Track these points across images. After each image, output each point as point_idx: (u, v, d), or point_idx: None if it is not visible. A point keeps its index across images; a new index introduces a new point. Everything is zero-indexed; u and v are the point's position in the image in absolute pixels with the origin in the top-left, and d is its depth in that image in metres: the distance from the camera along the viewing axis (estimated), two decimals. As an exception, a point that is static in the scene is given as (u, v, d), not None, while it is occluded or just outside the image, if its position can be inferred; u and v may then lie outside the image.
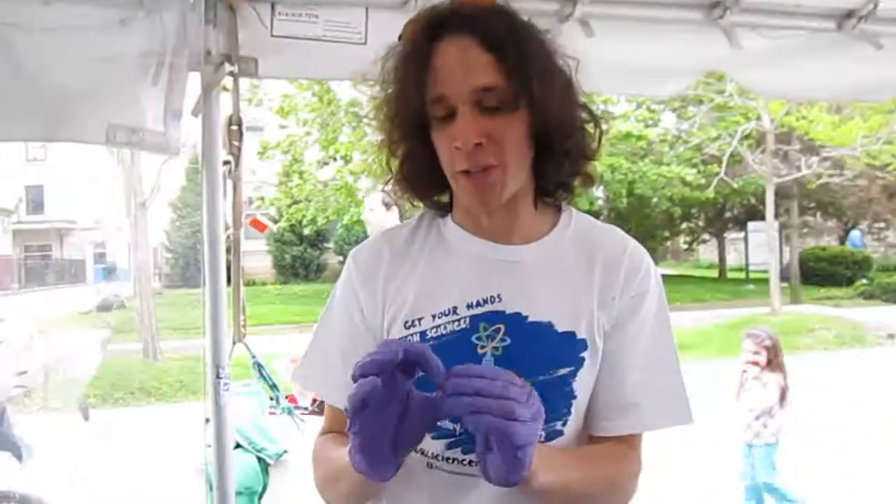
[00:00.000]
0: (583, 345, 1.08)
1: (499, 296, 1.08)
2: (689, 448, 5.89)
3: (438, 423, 1.01)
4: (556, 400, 1.07)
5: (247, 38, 1.99)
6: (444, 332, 1.08)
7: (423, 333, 1.08)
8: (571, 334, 1.07)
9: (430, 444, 1.07)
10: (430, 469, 1.08)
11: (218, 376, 2.03)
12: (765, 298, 15.00)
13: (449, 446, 1.07)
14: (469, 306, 1.08)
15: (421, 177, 1.12)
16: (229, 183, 2.05)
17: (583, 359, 1.08)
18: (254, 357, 3.39)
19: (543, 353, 1.07)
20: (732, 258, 27.46)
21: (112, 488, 5.59)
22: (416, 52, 1.04)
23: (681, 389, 1.17)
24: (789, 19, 2.23)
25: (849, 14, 2.22)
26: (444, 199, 1.16)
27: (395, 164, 1.13)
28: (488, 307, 1.08)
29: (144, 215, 12.47)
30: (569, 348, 1.08)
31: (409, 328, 1.09)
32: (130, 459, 6.15)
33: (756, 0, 2.16)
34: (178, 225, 27.56)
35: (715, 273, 26.25)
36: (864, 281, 19.23)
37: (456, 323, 1.08)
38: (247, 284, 2.21)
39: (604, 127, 1.14)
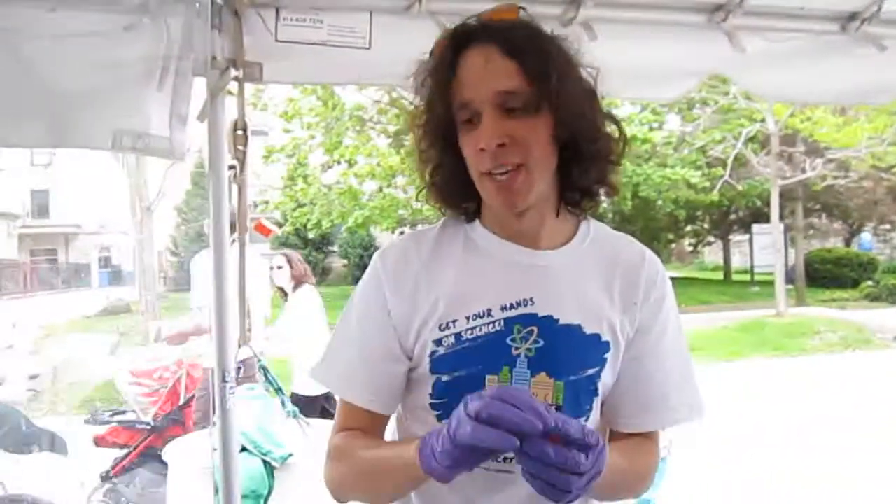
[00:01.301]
0: (606, 346, 1.15)
1: (531, 299, 1.12)
2: (694, 447, 5.89)
3: None
4: (583, 398, 1.15)
5: (252, 44, 1.99)
6: (479, 333, 1.12)
7: (458, 335, 1.12)
8: (597, 336, 1.14)
9: None
10: None
11: (223, 380, 2.04)
12: (770, 300, 14.97)
13: None
14: (503, 308, 1.12)
15: (450, 184, 1.16)
16: (234, 187, 2.06)
17: (605, 359, 1.15)
18: (259, 360, 3.40)
19: (573, 354, 1.13)
20: (737, 260, 27.43)
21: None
22: (442, 63, 1.10)
23: (696, 385, 1.24)
24: (792, 22, 2.23)
25: (852, 16, 2.22)
26: (472, 206, 1.20)
27: (427, 173, 1.18)
28: (522, 310, 1.12)
29: (150, 219, 12.51)
30: (595, 350, 1.14)
31: (443, 330, 1.13)
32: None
33: (759, 3, 2.15)
34: (183, 229, 27.61)
35: (720, 275, 26.20)
36: (870, 283, 19.17)
37: (491, 325, 1.12)
38: (252, 288, 2.22)
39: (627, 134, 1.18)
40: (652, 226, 22.64)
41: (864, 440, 6.17)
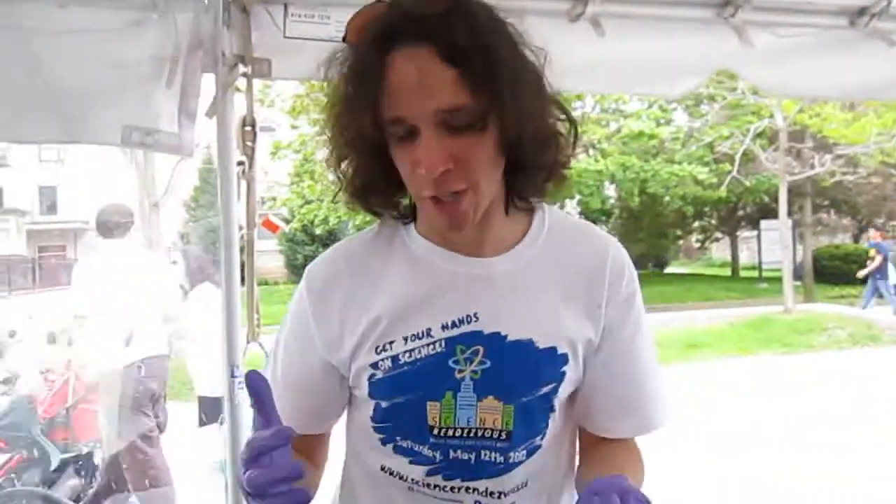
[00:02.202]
0: (564, 359, 1.03)
1: (475, 315, 1.01)
2: (700, 443, 5.89)
3: (417, 449, 1.04)
4: (539, 418, 1.05)
5: (260, 40, 2.00)
6: (418, 356, 1.01)
7: (395, 358, 1.01)
8: (553, 350, 1.03)
9: (409, 469, 1.05)
10: (411, 492, 1.07)
11: (232, 375, 2.05)
12: (778, 297, 14.91)
13: (428, 473, 1.05)
14: (444, 327, 1.01)
15: (376, 190, 1.02)
16: (243, 183, 2.07)
17: (564, 373, 1.04)
18: (267, 356, 3.41)
19: (525, 374, 1.02)
20: (745, 256, 27.34)
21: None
22: (366, 66, 0.91)
23: (665, 386, 1.15)
24: (801, 17, 2.22)
25: (861, 11, 2.21)
26: (403, 208, 1.06)
27: (343, 173, 1.02)
28: (465, 327, 1.01)
29: (157, 215, 12.53)
30: (550, 365, 1.03)
31: (379, 353, 1.01)
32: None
33: (767, -2, 2.16)
34: (191, 225, 27.67)
35: (728, 271, 26.12)
36: (879, 279, 19.10)
37: (431, 346, 1.01)
38: (259, 284, 2.22)
39: (579, 124, 1.04)
40: (659, 222, 22.59)
41: (872, 437, 6.15)
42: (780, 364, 10.21)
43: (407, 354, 1.01)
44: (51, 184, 33.06)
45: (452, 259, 1.03)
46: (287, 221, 18.19)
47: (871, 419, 6.73)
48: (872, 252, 14.86)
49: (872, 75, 2.37)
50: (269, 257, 23.61)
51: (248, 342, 2.16)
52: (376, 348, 1.02)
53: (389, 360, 1.01)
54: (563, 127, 1.00)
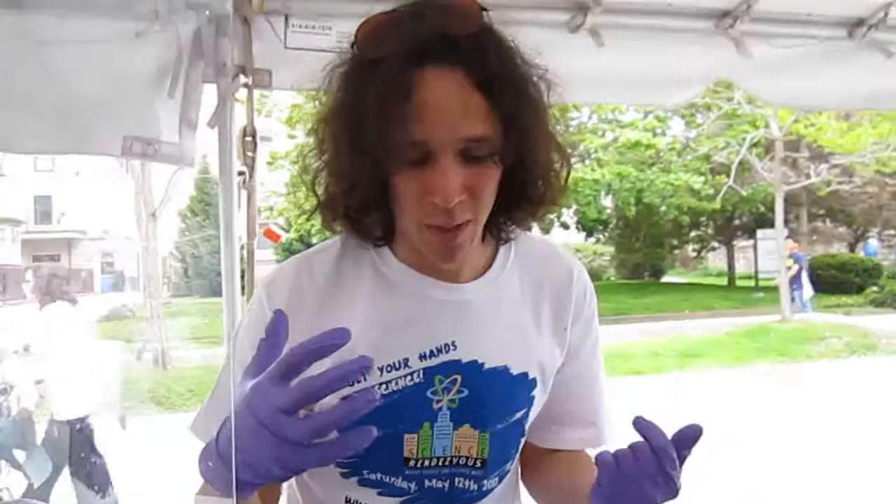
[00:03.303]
0: (533, 384, 1.03)
1: (453, 343, 0.98)
2: (695, 452, 5.88)
3: (388, 481, 1.00)
4: (511, 443, 1.05)
5: (261, 51, 2.01)
6: (395, 388, 0.96)
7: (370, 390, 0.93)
8: (524, 375, 1.02)
9: (377, 501, 1.01)
10: None
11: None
12: (774, 306, 14.93)
13: None
14: (422, 357, 0.97)
15: (371, 210, 0.95)
16: (243, 193, 2.07)
17: (533, 398, 1.04)
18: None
19: (500, 401, 1.01)
20: (741, 266, 27.33)
21: (127, 497, 5.60)
22: (395, 81, 0.83)
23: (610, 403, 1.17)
24: (799, 28, 2.24)
25: (859, 22, 2.23)
26: (380, 231, 0.99)
27: (331, 190, 0.95)
28: (443, 357, 0.97)
29: (154, 225, 12.51)
30: (522, 390, 1.03)
31: (353, 385, 0.82)
32: (145, 468, 6.16)
33: (766, 9, 2.16)
34: (187, 235, 27.64)
35: (724, 281, 26.12)
36: (875, 288, 19.11)
37: (409, 377, 0.97)
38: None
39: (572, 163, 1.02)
40: (656, 231, 22.63)
41: (869, 446, 6.15)
42: (777, 373, 10.22)
43: (383, 387, 0.96)
44: (46, 193, 33.00)
45: (431, 285, 0.99)
46: (285, 231, 18.17)
47: (867, 428, 6.73)
48: (790, 262, 15.08)
49: (870, 86, 2.39)
50: (267, 267, 23.51)
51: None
52: (351, 382, 0.92)
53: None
54: (557, 164, 0.97)
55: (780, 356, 11.39)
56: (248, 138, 2.04)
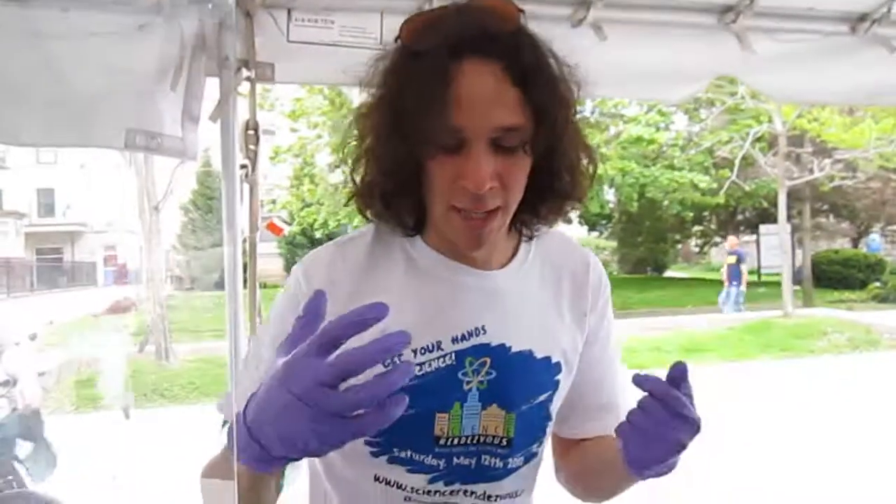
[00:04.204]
0: (557, 368, 1.09)
1: (483, 327, 1.03)
2: (698, 447, 5.89)
3: (418, 459, 1.04)
4: (536, 426, 1.09)
5: (263, 44, 2.01)
6: (428, 369, 1.01)
7: None
8: (548, 360, 1.08)
9: (407, 478, 1.05)
10: (407, 502, 1.06)
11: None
12: (777, 301, 14.91)
13: (430, 481, 1.05)
14: (454, 340, 1.02)
15: (401, 195, 1.00)
16: (246, 187, 2.08)
17: (557, 381, 1.09)
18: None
19: (525, 383, 1.06)
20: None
21: (129, 488, 5.63)
22: (435, 69, 0.90)
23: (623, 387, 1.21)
24: (802, 23, 2.23)
25: (862, 17, 2.23)
26: (412, 220, 1.05)
27: (370, 176, 1.01)
28: (474, 340, 1.03)
29: (157, 218, 12.52)
30: (546, 374, 1.08)
31: (387, 365, 0.85)
32: (148, 460, 6.18)
33: (769, 4, 2.16)
34: (189, 228, 27.67)
35: (726, 276, 26.13)
36: (878, 284, 19.09)
37: (441, 359, 1.02)
38: (260, 287, 2.23)
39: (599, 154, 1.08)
40: (658, 226, 22.62)
41: (872, 441, 6.15)
42: (780, 368, 10.22)
43: (418, 368, 1.01)
44: (49, 186, 33.04)
45: (462, 272, 1.05)
46: (287, 224, 18.19)
47: (870, 423, 6.74)
48: (732, 259, 15.27)
49: (873, 81, 2.39)
50: (269, 260, 23.59)
51: (249, 345, 2.16)
52: (384, 361, 0.95)
53: None
54: (584, 161, 1.03)
55: (782, 351, 11.39)
56: (251, 132, 2.05)
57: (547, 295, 1.10)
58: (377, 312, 0.69)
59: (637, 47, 2.17)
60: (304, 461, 1.02)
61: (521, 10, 0.94)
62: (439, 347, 1.02)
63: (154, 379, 9.93)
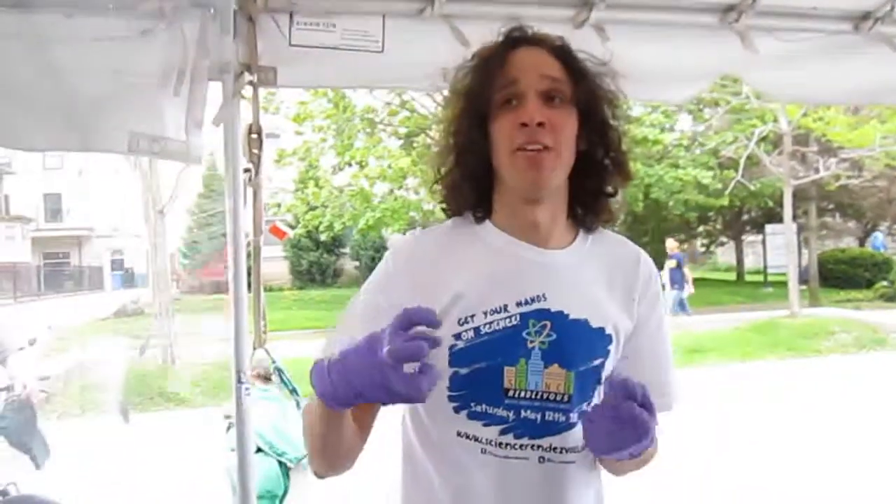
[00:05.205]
0: (609, 339, 1.23)
1: (544, 295, 1.19)
2: (705, 447, 5.88)
3: (491, 412, 1.19)
4: (590, 386, 1.23)
5: (266, 48, 2.02)
6: (496, 327, 1.18)
7: (476, 329, 1.18)
8: (602, 330, 1.22)
9: (483, 431, 1.19)
10: (483, 454, 1.19)
11: (239, 381, 2.05)
12: (783, 301, 14.88)
13: (502, 432, 1.19)
14: (519, 304, 1.18)
15: (469, 182, 1.24)
16: (249, 190, 2.08)
17: (609, 351, 1.23)
18: (274, 362, 3.42)
19: (582, 347, 1.21)
20: (750, 261, 27.28)
21: (134, 492, 5.64)
22: (493, 55, 1.22)
23: (676, 374, 1.36)
24: (805, 22, 2.23)
25: (865, 16, 2.22)
26: (482, 210, 1.27)
27: (445, 166, 1.26)
28: (536, 305, 1.19)
29: (163, 222, 12.54)
30: (600, 342, 1.22)
31: (462, 325, 1.17)
32: (153, 463, 6.20)
33: (771, 3, 2.16)
34: (195, 232, 27.74)
35: (733, 276, 26.07)
36: (885, 283, 19.03)
37: (507, 320, 1.18)
38: (264, 290, 2.23)
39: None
40: (664, 226, 22.53)
41: (878, 440, 6.13)
42: (786, 368, 10.19)
43: (487, 326, 1.18)
44: (55, 191, 33.17)
45: (525, 248, 1.23)
46: (292, 227, 18.21)
47: (877, 423, 6.71)
48: (673, 263, 14.82)
49: (877, 79, 2.38)
50: (273, 263, 23.63)
51: (254, 348, 2.16)
52: (459, 320, 1.17)
53: (472, 331, 1.18)
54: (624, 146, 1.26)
55: (789, 351, 11.36)
56: (254, 135, 2.05)
57: (601, 278, 1.26)
58: (432, 319, 0.97)
59: (639, 48, 2.16)
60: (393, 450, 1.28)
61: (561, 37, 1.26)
62: (505, 310, 1.18)
63: (160, 382, 9.95)
